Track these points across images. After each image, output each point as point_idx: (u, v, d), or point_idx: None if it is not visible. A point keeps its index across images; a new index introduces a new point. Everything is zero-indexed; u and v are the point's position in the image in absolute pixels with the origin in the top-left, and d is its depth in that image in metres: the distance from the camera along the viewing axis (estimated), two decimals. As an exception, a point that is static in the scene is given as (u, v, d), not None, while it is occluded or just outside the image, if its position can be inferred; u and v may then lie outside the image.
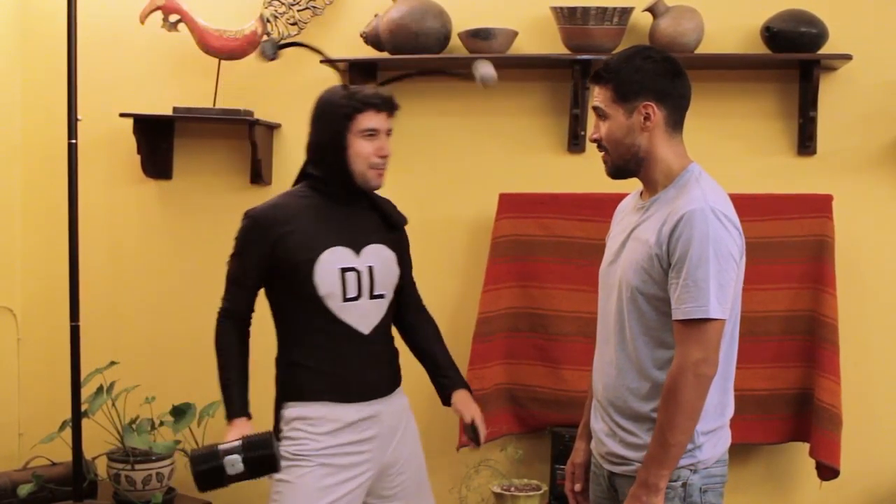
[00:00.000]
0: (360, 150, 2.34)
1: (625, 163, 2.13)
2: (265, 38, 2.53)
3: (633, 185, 2.25)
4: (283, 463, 2.30)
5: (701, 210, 1.99)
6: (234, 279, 2.41)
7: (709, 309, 1.95)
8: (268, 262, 2.36)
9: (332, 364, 2.38)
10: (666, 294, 2.02)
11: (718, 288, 1.96)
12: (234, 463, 2.19)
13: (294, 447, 2.35)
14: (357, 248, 2.40)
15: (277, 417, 2.41)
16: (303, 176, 2.47)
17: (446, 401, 2.58)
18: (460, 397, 2.56)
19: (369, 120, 2.34)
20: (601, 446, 2.18)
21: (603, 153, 2.17)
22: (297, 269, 2.34)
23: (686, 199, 2.03)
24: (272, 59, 2.51)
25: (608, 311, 2.17)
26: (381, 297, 2.43)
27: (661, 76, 2.11)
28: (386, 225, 2.48)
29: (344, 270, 2.36)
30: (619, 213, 2.30)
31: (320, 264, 2.34)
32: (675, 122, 2.13)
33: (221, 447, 2.21)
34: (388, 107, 2.38)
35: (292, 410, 2.38)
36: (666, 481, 2.00)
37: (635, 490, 2.01)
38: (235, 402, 2.36)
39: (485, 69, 2.50)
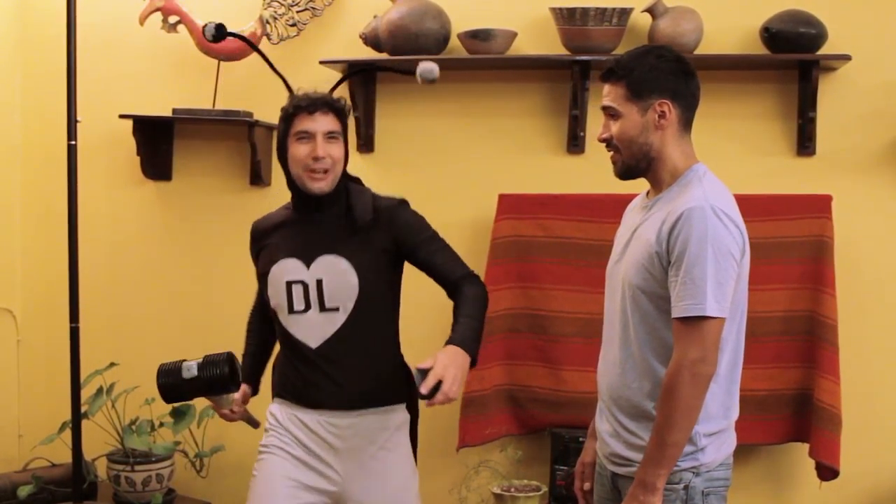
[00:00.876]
0: (295, 154, 2.34)
1: (636, 162, 2.12)
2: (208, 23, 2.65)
3: (632, 187, 2.25)
4: (259, 455, 2.43)
5: (700, 208, 1.98)
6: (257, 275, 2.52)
7: (706, 307, 1.94)
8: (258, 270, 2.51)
9: (289, 371, 2.43)
10: (667, 292, 2.01)
11: (717, 286, 1.95)
12: (190, 368, 2.40)
13: (266, 438, 2.45)
14: (308, 261, 2.35)
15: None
16: None
17: None
18: (442, 350, 2.22)
19: (301, 123, 2.33)
20: (605, 447, 2.18)
21: (612, 153, 2.15)
22: (260, 280, 2.46)
23: (686, 198, 2.02)
24: (215, 42, 2.62)
25: (613, 310, 2.17)
26: (334, 310, 2.33)
27: (674, 75, 2.12)
28: (353, 228, 2.37)
29: (290, 283, 2.35)
30: (628, 212, 2.29)
31: (271, 276, 2.40)
32: (687, 121, 2.14)
33: (185, 362, 2.42)
34: (320, 108, 2.32)
35: (271, 405, 2.48)
36: (664, 481, 1.99)
37: (633, 490, 2.00)
38: (243, 370, 2.49)
39: (424, 65, 2.51)
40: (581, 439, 3.11)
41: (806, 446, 3.09)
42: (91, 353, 3.35)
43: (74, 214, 3.22)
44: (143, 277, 3.68)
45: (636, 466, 2.06)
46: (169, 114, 3.47)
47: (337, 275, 2.34)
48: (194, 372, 2.38)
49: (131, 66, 3.64)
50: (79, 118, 3.22)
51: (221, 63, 3.45)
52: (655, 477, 1.98)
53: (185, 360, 2.42)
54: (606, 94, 2.14)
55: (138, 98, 3.58)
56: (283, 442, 2.40)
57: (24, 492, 3.24)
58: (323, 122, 2.32)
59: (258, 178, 3.48)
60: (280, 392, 2.46)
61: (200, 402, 3.32)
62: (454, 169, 3.44)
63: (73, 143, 3.21)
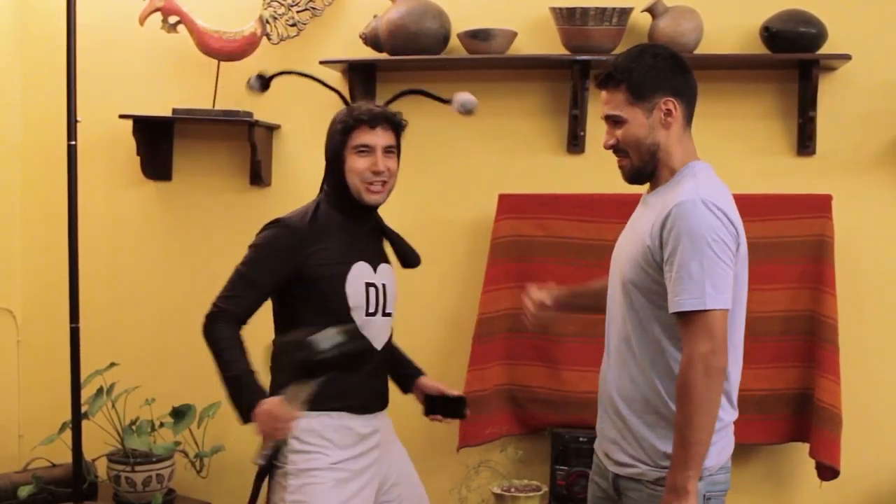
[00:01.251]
0: (353, 166, 2.38)
1: (644, 164, 2.11)
2: (255, 76, 2.50)
3: (632, 187, 2.24)
4: (295, 481, 2.32)
5: (691, 202, 1.98)
6: (248, 281, 2.37)
7: (705, 300, 1.93)
8: (291, 274, 2.35)
9: (343, 377, 2.34)
10: (660, 287, 2.01)
11: (714, 277, 1.94)
12: (325, 340, 2.10)
13: (306, 461, 2.34)
14: (374, 266, 2.45)
15: None
16: (323, 188, 2.54)
17: (409, 388, 2.65)
18: (425, 380, 2.63)
19: (362, 136, 2.37)
20: (606, 446, 2.18)
21: (621, 158, 2.13)
22: (329, 280, 2.36)
23: (678, 192, 2.02)
24: (262, 92, 2.50)
25: (611, 304, 2.18)
26: (390, 315, 2.49)
27: (673, 71, 2.11)
28: (399, 260, 2.55)
29: (368, 285, 2.39)
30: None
31: (352, 276, 2.37)
32: (690, 117, 2.15)
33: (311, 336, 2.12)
34: (385, 123, 2.39)
35: (303, 422, 2.31)
36: (695, 483, 1.95)
37: (666, 497, 1.97)
38: (261, 389, 2.29)
39: (463, 97, 2.50)
40: (581, 439, 3.12)
41: (806, 446, 3.09)
42: (91, 353, 3.35)
43: (74, 214, 3.22)
44: (143, 277, 3.67)
45: (639, 467, 2.06)
46: (169, 114, 3.47)
47: (393, 282, 2.50)
48: (337, 339, 2.10)
49: (131, 66, 3.64)
50: (79, 118, 3.22)
51: (221, 63, 3.44)
52: (685, 480, 1.94)
53: (307, 334, 2.12)
54: (607, 102, 2.11)
55: (138, 98, 3.58)
56: (330, 466, 2.35)
57: (24, 492, 3.24)
58: (383, 137, 2.40)
59: (258, 178, 3.47)
60: (329, 404, 2.34)
61: (201, 402, 3.34)
62: (454, 169, 3.44)
63: (73, 143, 3.20)
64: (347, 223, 2.42)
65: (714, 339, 1.94)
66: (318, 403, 2.32)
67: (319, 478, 2.32)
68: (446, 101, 2.42)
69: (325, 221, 2.41)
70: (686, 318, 1.95)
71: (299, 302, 2.38)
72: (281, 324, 2.46)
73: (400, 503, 2.53)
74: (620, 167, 2.15)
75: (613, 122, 2.12)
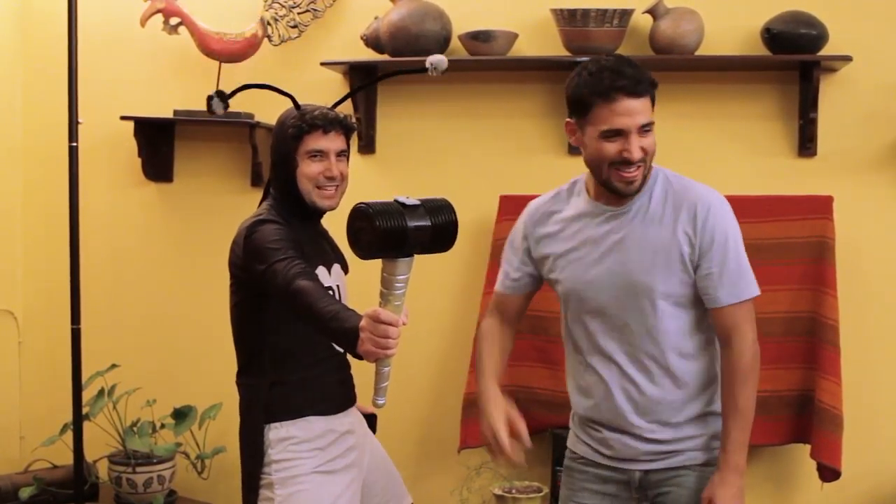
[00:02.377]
0: (307, 171, 2.34)
1: (647, 173, 2.14)
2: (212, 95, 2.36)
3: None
4: (282, 490, 2.29)
5: (719, 199, 2.12)
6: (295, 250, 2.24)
7: (754, 287, 2.11)
8: None
9: (320, 377, 2.38)
10: (686, 289, 2.11)
11: (750, 268, 2.13)
12: (415, 210, 1.84)
13: (288, 470, 2.32)
14: (328, 267, 2.43)
15: (259, 442, 2.33)
16: (266, 193, 2.47)
17: None
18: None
19: (315, 141, 2.33)
20: (630, 449, 2.19)
21: (638, 168, 2.09)
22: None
23: (694, 193, 2.12)
24: (224, 111, 2.40)
25: (618, 325, 2.17)
26: None
27: None
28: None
29: (326, 289, 2.35)
30: (544, 223, 2.26)
31: None
32: None
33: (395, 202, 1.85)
34: (338, 127, 2.36)
35: (280, 430, 2.32)
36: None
37: (727, 476, 2.09)
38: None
39: (436, 57, 2.40)
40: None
41: (807, 447, 3.08)
42: (92, 354, 3.35)
43: (76, 216, 3.22)
44: (144, 279, 3.68)
45: (683, 455, 2.16)
46: (170, 115, 3.47)
47: (344, 282, 2.49)
48: (423, 216, 1.84)
49: (132, 68, 3.65)
50: (80, 120, 3.22)
51: (222, 65, 3.45)
52: (744, 460, 2.11)
53: (390, 201, 1.85)
54: (641, 112, 2.06)
55: (139, 99, 3.59)
56: (314, 469, 2.33)
57: (25, 493, 3.24)
58: (336, 141, 2.37)
59: (259, 179, 3.48)
60: (305, 407, 2.34)
61: (202, 403, 3.34)
62: (455, 170, 3.44)
63: (75, 144, 3.21)
64: (301, 225, 2.39)
65: (755, 325, 2.13)
66: (294, 412, 2.33)
67: (306, 483, 2.31)
68: (411, 72, 2.33)
69: (288, 225, 2.35)
70: (737, 307, 2.09)
71: (265, 300, 2.31)
72: (250, 335, 2.37)
73: (384, 496, 2.53)
74: (633, 179, 2.10)
75: (646, 131, 2.09)
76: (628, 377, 2.18)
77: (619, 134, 2.06)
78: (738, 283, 2.09)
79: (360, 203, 1.80)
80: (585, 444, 2.30)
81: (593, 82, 2.06)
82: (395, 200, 1.84)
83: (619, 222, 2.16)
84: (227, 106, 2.27)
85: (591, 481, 2.28)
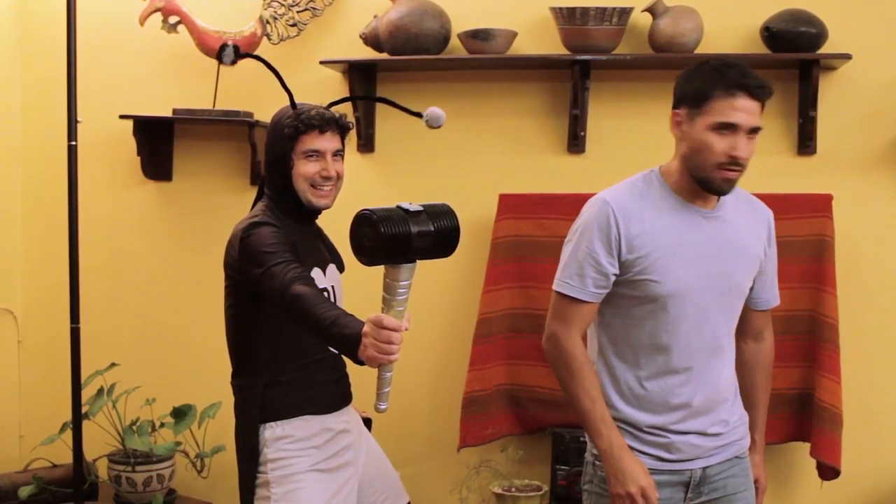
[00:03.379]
0: (302, 171, 2.34)
1: None
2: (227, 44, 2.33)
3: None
4: (279, 489, 2.29)
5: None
6: (292, 253, 2.25)
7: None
8: None
9: (315, 377, 2.37)
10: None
11: None
12: (417, 216, 1.82)
13: (283, 469, 2.31)
14: (324, 269, 2.42)
15: (254, 442, 2.33)
16: (261, 193, 2.46)
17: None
18: None
19: (312, 141, 2.33)
20: (701, 448, 2.20)
21: (738, 172, 2.12)
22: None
23: (759, 203, 2.30)
24: (231, 64, 2.39)
25: (715, 324, 2.20)
26: None
27: None
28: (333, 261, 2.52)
29: (322, 290, 2.34)
30: (648, 220, 2.18)
31: None
32: None
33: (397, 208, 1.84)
34: (334, 127, 2.36)
35: (275, 429, 2.33)
36: None
37: (761, 458, 2.34)
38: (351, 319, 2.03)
39: (433, 111, 2.41)
40: (582, 439, 3.11)
41: (807, 446, 3.09)
42: (92, 353, 3.35)
43: (75, 215, 3.22)
44: (143, 278, 3.68)
45: (736, 445, 2.25)
46: (169, 114, 3.47)
47: (339, 282, 2.49)
48: (426, 222, 1.83)
49: (131, 67, 3.64)
50: (79, 119, 3.22)
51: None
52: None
53: (392, 206, 1.84)
54: (755, 113, 2.09)
55: (138, 98, 3.58)
56: (310, 467, 2.33)
57: (24, 492, 3.24)
58: (332, 141, 2.36)
59: (259, 178, 3.47)
60: (299, 408, 2.35)
61: (201, 402, 3.34)
62: (454, 169, 3.44)
63: (74, 143, 3.20)
64: (296, 227, 2.38)
65: None
66: (289, 411, 2.33)
67: (303, 482, 2.31)
68: (416, 115, 2.36)
69: (284, 226, 2.34)
70: (770, 310, 2.35)
71: (265, 311, 2.31)
72: (245, 336, 2.37)
73: (380, 495, 2.52)
74: (734, 179, 2.12)
75: (753, 135, 2.12)
76: (714, 373, 2.21)
77: (731, 129, 2.07)
78: (777, 287, 2.36)
79: (364, 209, 1.81)
80: (640, 452, 2.19)
81: (718, 76, 2.09)
82: (398, 206, 1.83)
83: (715, 224, 2.18)
84: (235, 60, 2.23)
85: None
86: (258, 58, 2.24)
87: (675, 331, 2.15)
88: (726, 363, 2.24)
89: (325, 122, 2.33)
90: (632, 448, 2.17)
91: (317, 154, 2.34)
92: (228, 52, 2.20)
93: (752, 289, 2.26)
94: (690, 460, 2.20)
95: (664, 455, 2.19)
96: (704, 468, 2.21)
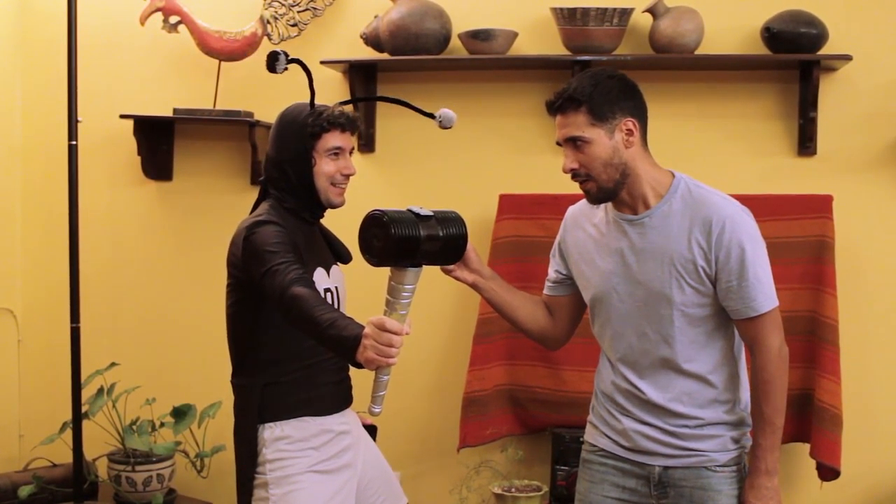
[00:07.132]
0: (325, 169, 2.35)
1: (615, 185, 2.15)
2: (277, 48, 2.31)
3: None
4: (277, 489, 2.28)
5: (738, 212, 2.12)
6: (294, 253, 2.24)
7: (774, 298, 2.14)
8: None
9: (315, 378, 2.37)
10: (702, 299, 2.12)
11: (771, 277, 2.15)
12: (427, 221, 1.86)
13: (285, 468, 2.31)
14: (327, 269, 2.42)
15: (253, 442, 2.32)
16: (264, 193, 2.43)
17: None
18: None
19: (335, 139, 2.35)
20: (645, 444, 2.19)
21: (583, 182, 2.17)
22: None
23: (711, 206, 2.11)
24: (280, 71, 2.39)
25: (634, 331, 2.19)
26: None
27: (630, 93, 2.17)
28: (335, 256, 2.51)
29: (325, 291, 2.36)
30: (579, 228, 2.30)
31: (315, 283, 2.30)
32: (646, 135, 2.20)
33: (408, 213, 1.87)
34: (353, 127, 2.40)
35: (275, 430, 2.32)
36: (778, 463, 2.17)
37: (758, 480, 2.14)
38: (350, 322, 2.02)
39: (445, 111, 2.42)
40: (582, 439, 3.12)
41: (807, 446, 3.09)
42: (92, 353, 3.35)
43: (75, 214, 3.22)
44: (143, 277, 3.68)
45: (703, 456, 2.16)
46: (170, 114, 3.47)
47: (343, 282, 2.48)
48: (436, 227, 1.88)
49: (132, 67, 3.65)
50: (79, 118, 3.22)
51: (222, 63, 3.45)
52: (775, 462, 2.16)
53: (403, 210, 1.87)
54: (567, 126, 2.15)
55: (139, 98, 3.58)
56: (308, 468, 2.32)
57: (24, 492, 3.24)
58: (351, 140, 2.41)
59: (259, 178, 3.47)
60: (298, 408, 2.34)
61: (201, 401, 3.34)
62: (455, 169, 3.44)
63: (74, 143, 3.21)
64: (301, 226, 2.37)
65: (781, 331, 2.17)
66: (288, 412, 2.32)
67: (301, 483, 2.30)
68: (430, 116, 2.37)
69: (288, 226, 2.32)
70: (760, 318, 2.12)
71: (262, 301, 2.28)
72: (246, 336, 2.36)
73: (380, 497, 2.51)
74: (586, 191, 2.18)
75: (574, 145, 2.14)
76: (645, 382, 2.19)
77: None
78: (757, 296, 2.10)
79: (375, 210, 1.83)
80: (606, 436, 2.27)
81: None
82: (409, 210, 1.86)
83: (639, 230, 2.17)
84: (286, 67, 2.23)
85: (611, 473, 2.26)
86: (299, 62, 2.23)
87: (607, 331, 2.24)
88: (683, 377, 2.17)
89: (349, 121, 2.38)
90: (598, 430, 2.31)
91: (339, 152, 2.37)
92: (281, 61, 2.20)
93: (722, 300, 2.14)
94: (647, 454, 2.23)
95: (621, 441, 2.26)
96: (665, 468, 2.21)
